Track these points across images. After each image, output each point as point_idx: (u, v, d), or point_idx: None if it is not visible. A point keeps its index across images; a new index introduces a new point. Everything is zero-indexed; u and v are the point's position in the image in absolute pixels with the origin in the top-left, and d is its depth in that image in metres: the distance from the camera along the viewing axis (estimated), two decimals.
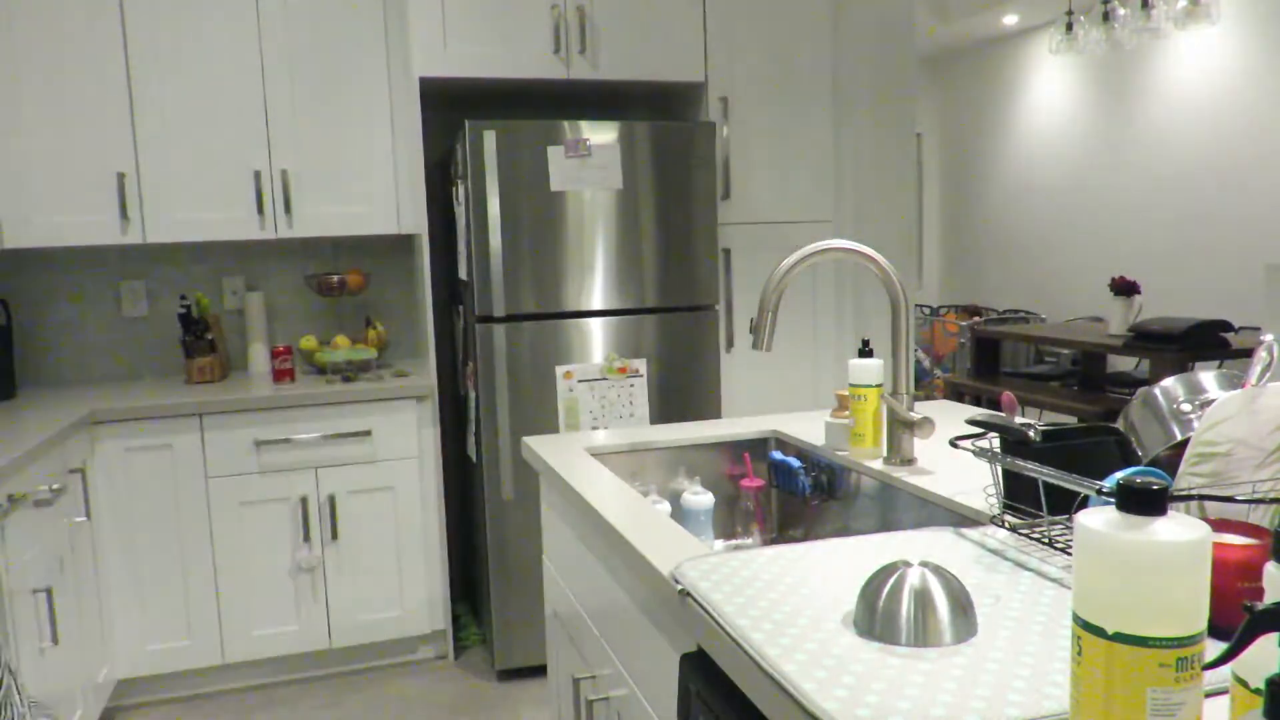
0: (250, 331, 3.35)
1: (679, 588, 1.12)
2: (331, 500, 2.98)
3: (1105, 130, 6.16)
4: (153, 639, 2.90)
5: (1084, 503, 1.13)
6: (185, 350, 3.16)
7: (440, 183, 3.42)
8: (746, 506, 1.97)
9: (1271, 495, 1.00)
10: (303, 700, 2.95)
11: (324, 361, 3.18)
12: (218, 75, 3.05)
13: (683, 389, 3.07)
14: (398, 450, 3.03)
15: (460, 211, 2.99)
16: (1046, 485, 1.16)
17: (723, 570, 1.14)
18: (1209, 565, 0.68)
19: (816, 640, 0.94)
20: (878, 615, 0.95)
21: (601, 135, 2.90)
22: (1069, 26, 5.02)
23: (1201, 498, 1.00)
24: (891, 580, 0.96)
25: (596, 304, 2.96)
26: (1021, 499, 1.23)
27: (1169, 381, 1.32)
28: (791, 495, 1.90)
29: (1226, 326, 4.32)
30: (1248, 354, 4.13)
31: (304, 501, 2.96)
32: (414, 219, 3.23)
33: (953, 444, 1.32)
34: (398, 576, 3.08)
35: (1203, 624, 0.68)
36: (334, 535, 3.00)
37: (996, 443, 1.28)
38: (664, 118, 3.46)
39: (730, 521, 1.98)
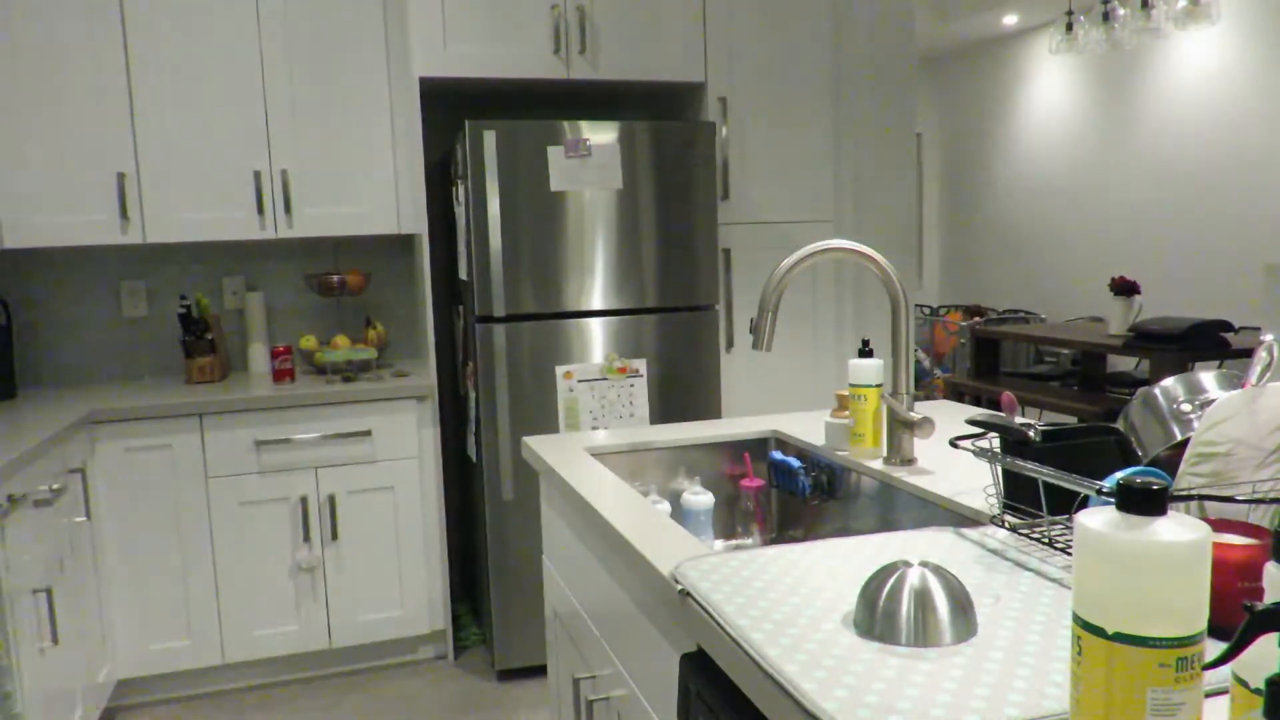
0: (250, 331, 3.35)
1: (679, 588, 1.12)
2: (331, 500, 2.98)
3: (1105, 130, 6.16)
4: (153, 639, 2.90)
5: (1084, 503, 1.13)
6: (185, 350, 3.16)
7: (440, 183, 3.42)
8: (746, 506, 1.97)
9: (1271, 495, 1.00)
10: (302, 700, 2.95)
11: (324, 361, 3.18)
12: (218, 75, 3.05)
13: (683, 389, 3.07)
14: (398, 450, 3.03)
15: (460, 211, 2.99)
16: (1046, 485, 1.16)
17: (723, 570, 1.14)
18: (1209, 565, 0.68)
19: (816, 640, 0.94)
20: (878, 615, 0.95)
21: (601, 135, 2.90)
22: (1069, 26, 5.02)
23: (1201, 498, 1.00)
24: (891, 580, 0.96)
25: (596, 304, 2.96)
26: (1021, 499, 1.23)
27: (1169, 381, 1.32)
28: (791, 495, 1.90)
29: (1226, 326, 4.32)
30: (1248, 354, 4.13)
31: (304, 501, 2.96)
32: (414, 219, 3.23)
33: (953, 444, 1.32)
34: (398, 576, 3.08)
35: (1203, 624, 0.68)
36: (334, 535, 3.00)
37: (996, 443, 1.28)
38: (664, 118, 3.46)
39: (730, 521, 1.98)
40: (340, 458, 2.98)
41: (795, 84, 3.24)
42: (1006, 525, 1.24)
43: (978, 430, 1.31)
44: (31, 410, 2.77)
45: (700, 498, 1.84)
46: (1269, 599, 0.70)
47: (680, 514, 1.86)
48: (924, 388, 6.27)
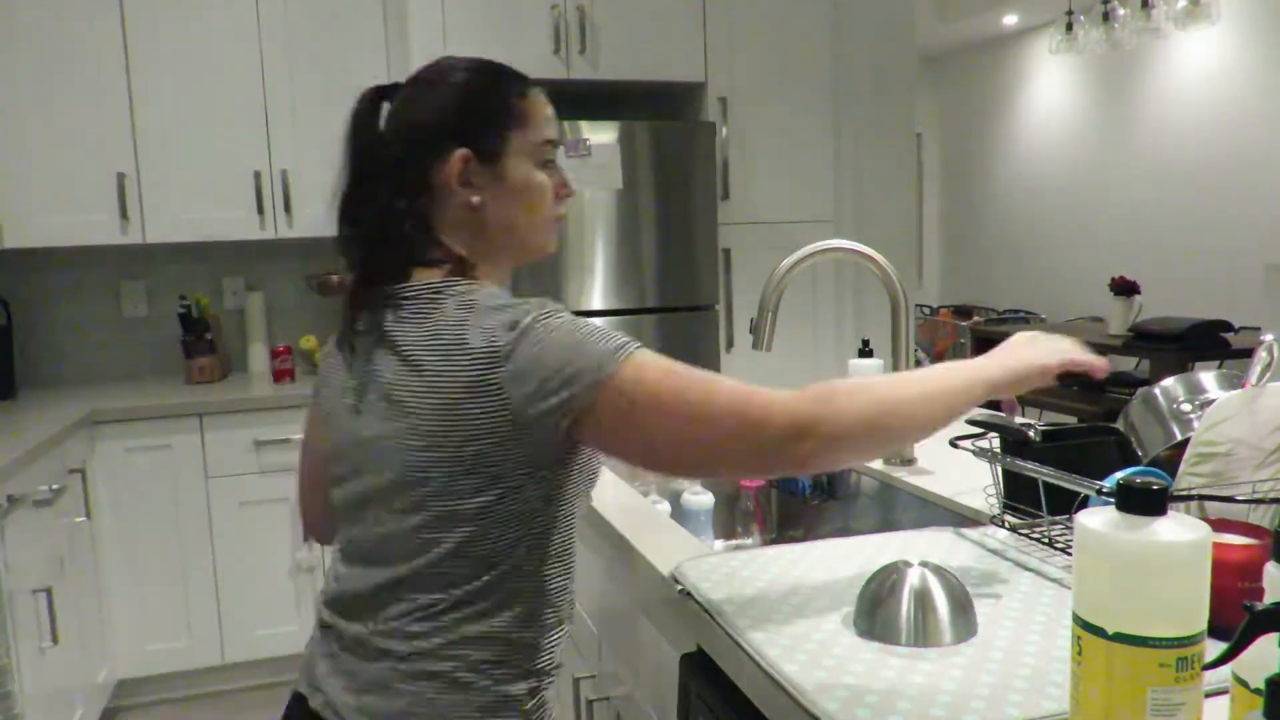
0: (250, 331, 3.35)
1: (679, 588, 1.12)
2: None
3: (1105, 130, 6.16)
4: (153, 639, 2.90)
5: (1084, 503, 1.13)
6: (185, 350, 3.15)
7: None
8: (746, 506, 1.97)
9: (1271, 495, 1.00)
10: None
11: None
12: (218, 75, 3.05)
13: None
14: None
15: None
16: (1046, 485, 1.15)
17: (723, 570, 1.14)
18: (1209, 565, 0.68)
19: (816, 640, 0.94)
20: (877, 615, 0.95)
21: (601, 135, 2.90)
22: (1069, 26, 5.03)
23: (1201, 498, 1.00)
24: (891, 580, 0.96)
25: (596, 304, 2.96)
26: (1021, 499, 1.23)
27: (1169, 381, 1.32)
28: (791, 495, 1.90)
29: (1226, 326, 4.32)
30: (1248, 354, 4.13)
31: None
32: None
33: (953, 444, 1.32)
34: None
35: (1203, 624, 0.68)
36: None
37: (996, 443, 1.28)
38: (664, 118, 3.45)
39: (730, 521, 1.98)
40: None
41: (795, 84, 3.24)
42: (1006, 525, 1.24)
43: (978, 430, 1.31)
44: (31, 410, 2.77)
45: (700, 498, 1.84)
46: (1269, 599, 0.69)
47: (680, 514, 1.86)
48: None
